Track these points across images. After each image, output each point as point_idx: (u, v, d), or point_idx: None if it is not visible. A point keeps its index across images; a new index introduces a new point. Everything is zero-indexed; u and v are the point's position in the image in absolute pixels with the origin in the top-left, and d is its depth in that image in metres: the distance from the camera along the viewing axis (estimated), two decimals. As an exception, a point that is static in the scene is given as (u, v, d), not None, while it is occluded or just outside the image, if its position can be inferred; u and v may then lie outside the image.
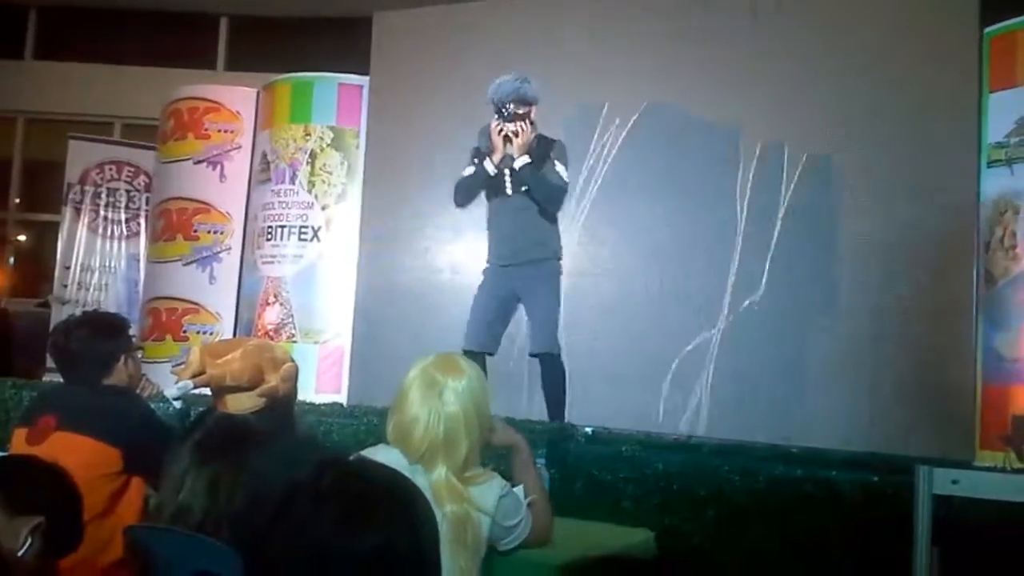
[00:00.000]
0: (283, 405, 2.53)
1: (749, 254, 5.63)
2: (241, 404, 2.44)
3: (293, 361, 2.58)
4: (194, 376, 2.42)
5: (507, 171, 4.46)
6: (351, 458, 1.36)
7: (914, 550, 2.33)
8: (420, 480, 2.13)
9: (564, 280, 4.59)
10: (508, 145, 4.43)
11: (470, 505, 2.17)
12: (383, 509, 1.15)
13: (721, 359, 5.56)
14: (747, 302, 5.56)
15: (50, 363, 8.40)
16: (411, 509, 1.19)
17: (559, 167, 4.46)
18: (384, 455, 2.28)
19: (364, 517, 1.13)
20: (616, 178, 6.01)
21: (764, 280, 5.55)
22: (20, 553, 1.80)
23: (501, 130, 4.42)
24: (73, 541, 1.98)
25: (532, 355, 4.46)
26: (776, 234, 5.57)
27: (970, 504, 2.38)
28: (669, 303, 5.73)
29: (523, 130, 4.40)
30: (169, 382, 2.56)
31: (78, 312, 7.94)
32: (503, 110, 4.41)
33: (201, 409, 2.66)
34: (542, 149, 4.46)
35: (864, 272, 5.38)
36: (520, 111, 4.41)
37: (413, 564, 1.14)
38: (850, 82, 5.46)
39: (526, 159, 4.41)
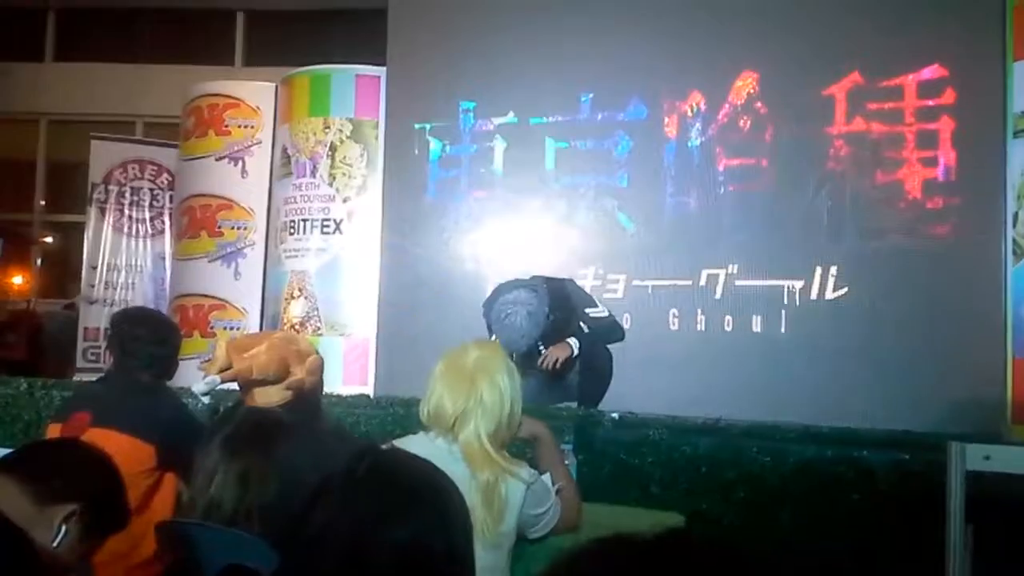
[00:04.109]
0: (310, 397, 2.54)
1: (767, 232, 5.62)
2: (269, 397, 2.46)
3: (318, 354, 2.59)
4: (221, 371, 2.43)
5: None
6: (385, 448, 1.36)
7: (947, 528, 2.30)
8: (456, 468, 2.14)
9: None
10: None
11: (502, 472, 2.18)
12: (417, 500, 1.15)
13: (744, 339, 5.54)
14: (768, 281, 5.55)
15: (80, 363, 8.48)
16: (445, 501, 1.19)
17: (590, 311, 4.22)
18: (416, 444, 2.29)
19: (398, 508, 1.13)
20: (643, 166, 6.00)
21: (791, 260, 5.53)
22: (55, 544, 1.74)
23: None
24: (118, 520, 1.91)
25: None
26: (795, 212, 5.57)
27: (1004, 480, 2.35)
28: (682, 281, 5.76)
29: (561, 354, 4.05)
30: (197, 379, 2.58)
31: (106, 312, 8.06)
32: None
33: (230, 404, 2.68)
34: (561, 307, 4.09)
35: (890, 247, 5.33)
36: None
37: (446, 554, 1.14)
38: (871, 49, 5.42)
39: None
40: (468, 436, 2.21)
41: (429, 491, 1.19)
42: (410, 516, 1.13)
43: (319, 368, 2.56)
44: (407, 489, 1.17)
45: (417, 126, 6.63)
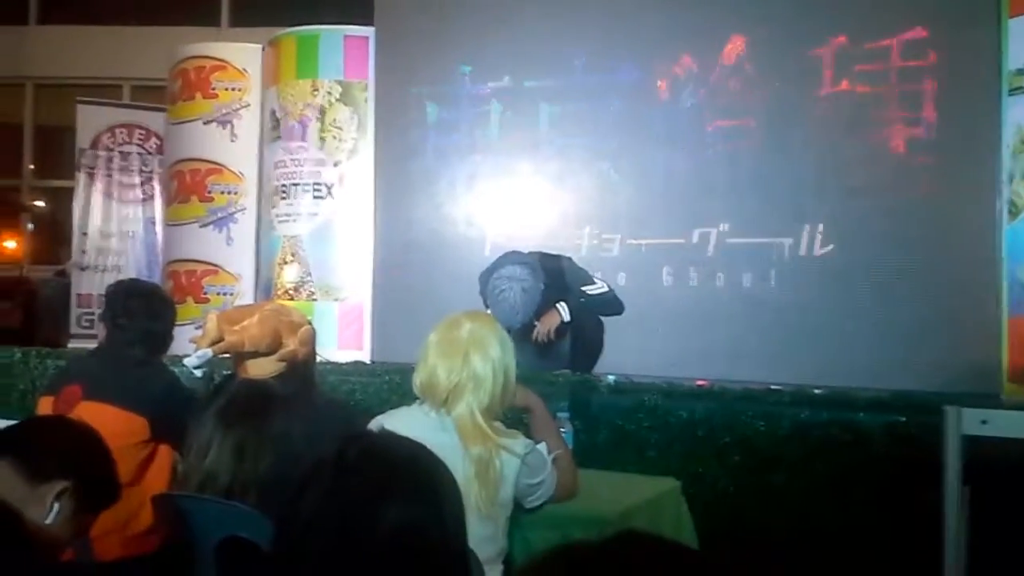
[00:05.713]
0: (303, 368, 2.53)
1: (757, 191, 5.62)
2: (262, 369, 2.45)
3: (310, 324, 2.58)
4: (212, 344, 2.42)
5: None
6: (376, 430, 1.35)
7: (944, 491, 2.31)
8: (449, 440, 2.13)
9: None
10: None
11: (496, 447, 2.17)
12: (407, 487, 1.15)
13: (735, 295, 5.57)
14: (758, 239, 5.57)
15: (74, 329, 8.43)
16: (435, 486, 1.18)
17: (587, 288, 4.16)
18: (408, 416, 2.28)
19: (388, 495, 1.12)
20: (635, 128, 5.99)
21: (780, 218, 5.54)
22: (48, 521, 1.75)
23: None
24: (109, 495, 1.91)
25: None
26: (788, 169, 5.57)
27: (1001, 442, 2.36)
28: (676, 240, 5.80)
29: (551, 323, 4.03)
30: (190, 346, 2.56)
31: (99, 278, 8.02)
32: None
33: (226, 372, 2.67)
34: (556, 284, 4.06)
35: (885, 205, 5.33)
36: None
37: (437, 539, 1.13)
38: (858, 12, 5.41)
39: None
40: (461, 412, 2.20)
41: (420, 476, 1.18)
42: (401, 503, 1.13)
43: (312, 338, 2.54)
44: (397, 476, 1.16)
45: (413, 90, 6.56)
